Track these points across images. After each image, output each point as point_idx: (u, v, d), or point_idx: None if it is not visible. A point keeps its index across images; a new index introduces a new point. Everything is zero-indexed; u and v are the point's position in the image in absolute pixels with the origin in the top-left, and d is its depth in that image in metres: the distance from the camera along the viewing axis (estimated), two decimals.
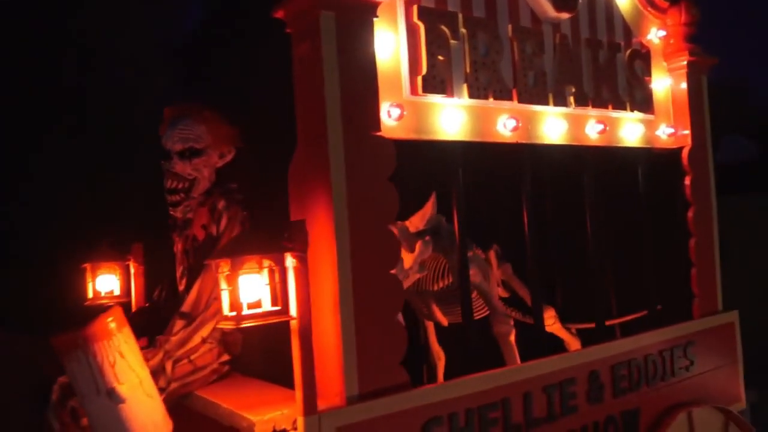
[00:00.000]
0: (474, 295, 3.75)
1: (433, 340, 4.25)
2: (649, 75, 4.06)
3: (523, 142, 3.42)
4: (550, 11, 3.49)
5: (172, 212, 3.32)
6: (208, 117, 3.30)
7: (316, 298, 2.67)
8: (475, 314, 3.66)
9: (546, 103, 3.50)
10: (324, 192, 2.70)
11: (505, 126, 3.33)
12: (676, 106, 4.20)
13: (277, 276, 2.58)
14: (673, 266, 4.17)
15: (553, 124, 3.54)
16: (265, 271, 2.56)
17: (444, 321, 3.89)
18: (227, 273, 2.55)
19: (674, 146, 4.19)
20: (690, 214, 4.14)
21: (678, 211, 4.15)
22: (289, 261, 2.60)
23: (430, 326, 4.16)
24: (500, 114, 3.32)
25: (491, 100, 3.27)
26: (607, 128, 3.76)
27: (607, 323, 4.09)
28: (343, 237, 2.68)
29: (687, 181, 4.15)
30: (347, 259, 2.68)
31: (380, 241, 2.77)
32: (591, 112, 3.73)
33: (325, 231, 2.68)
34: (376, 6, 2.82)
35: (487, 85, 3.25)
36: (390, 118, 2.92)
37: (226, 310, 2.57)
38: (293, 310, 2.60)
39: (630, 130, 3.94)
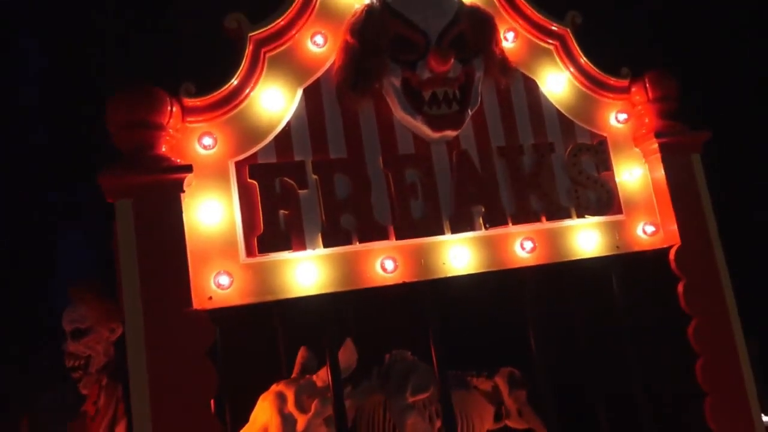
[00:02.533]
0: None
1: None
2: (608, 168, 3.47)
3: (415, 280, 3.09)
4: (429, 133, 3.17)
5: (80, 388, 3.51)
6: (88, 298, 3.48)
7: None
8: None
9: (441, 233, 3.14)
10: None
11: (383, 268, 3.04)
12: (660, 198, 3.50)
13: None
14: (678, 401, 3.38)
15: (457, 253, 3.15)
16: None
17: None
18: None
19: (662, 246, 3.47)
20: (690, 329, 3.35)
21: (675, 330, 3.38)
22: None
23: None
24: (377, 256, 3.05)
25: (357, 244, 3.02)
26: (537, 245, 3.25)
27: None
28: (145, 426, 2.60)
29: (680, 287, 3.39)
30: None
31: (197, 421, 2.64)
32: (514, 229, 3.26)
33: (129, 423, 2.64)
34: (180, 182, 2.80)
35: (352, 228, 3.02)
36: (220, 287, 2.83)
37: None
38: None
39: (586, 237, 3.36)
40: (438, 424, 3.52)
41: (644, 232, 3.47)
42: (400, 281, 3.06)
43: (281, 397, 3.19)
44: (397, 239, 3.07)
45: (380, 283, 3.04)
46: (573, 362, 3.39)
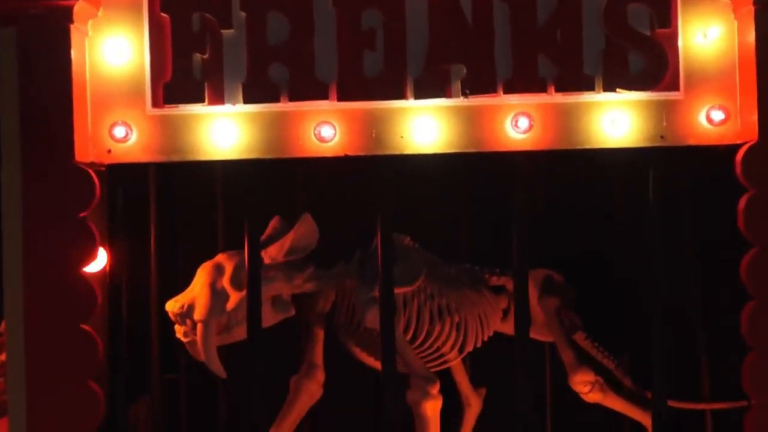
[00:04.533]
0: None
1: (460, 379, 3.41)
2: (670, 24, 2.44)
3: (364, 154, 2.45)
4: None
5: None
6: None
7: None
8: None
9: (402, 97, 2.43)
10: None
11: (319, 136, 2.43)
12: (744, 74, 2.43)
13: None
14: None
15: (422, 126, 2.43)
16: None
17: (377, 365, 3.09)
18: None
19: (731, 142, 2.45)
20: (745, 261, 2.39)
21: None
22: None
23: (457, 364, 3.33)
24: (312, 120, 2.44)
25: (287, 102, 2.42)
26: (535, 124, 2.42)
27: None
28: (15, 285, 2.36)
29: (742, 202, 2.40)
30: (19, 313, 2.35)
31: (69, 289, 2.35)
32: (507, 100, 2.44)
33: None
34: (68, 10, 2.34)
35: (283, 82, 2.42)
36: (116, 140, 2.43)
37: None
38: None
39: (614, 120, 2.45)
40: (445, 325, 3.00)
41: (708, 120, 2.46)
42: (342, 154, 2.45)
43: (218, 269, 2.81)
44: (339, 100, 2.43)
45: (314, 153, 2.45)
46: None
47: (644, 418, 3.16)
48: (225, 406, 3.51)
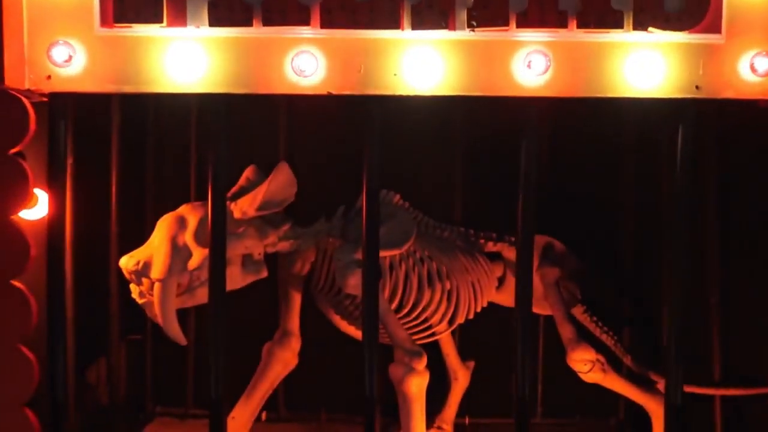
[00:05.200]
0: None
1: (448, 351, 3.11)
2: None
3: (350, 93, 2.09)
4: None
5: None
6: None
7: None
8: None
9: (396, 26, 2.06)
10: None
11: (297, 70, 2.07)
12: None
13: None
14: None
15: (419, 62, 2.07)
16: None
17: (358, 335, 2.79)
18: None
19: None
20: None
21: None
22: None
23: (445, 336, 3.03)
24: (288, 49, 2.06)
25: (260, 27, 2.04)
26: (553, 65, 2.06)
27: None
28: None
29: None
30: None
31: None
32: (520, 35, 2.08)
33: None
34: None
35: (256, 2, 2.03)
36: (56, 63, 2.05)
37: None
38: None
39: (643, 63, 2.10)
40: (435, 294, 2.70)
41: (752, 69, 2.11)
42: (325, 92, 2.09)
43: (180, 222, 2.46)
44: (323, 27, 2.05)
45: (292, 90, 2.08)
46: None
47: (645, 400, 2.90)
48: (192, 371, 3.23)
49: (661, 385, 2.89)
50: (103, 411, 3.02)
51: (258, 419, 2.94)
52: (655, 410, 2.85)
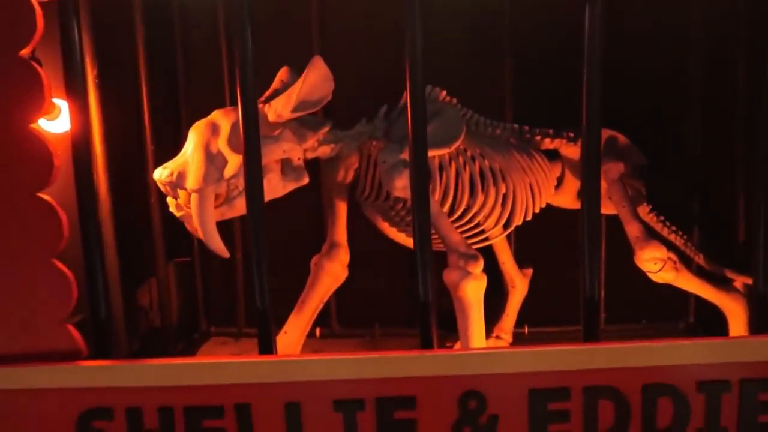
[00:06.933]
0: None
1: (504, 258, 2.97)
2: None
3: None
4: None
5: None
6: None
7: None
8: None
9: None
10: None
11: None
12: None
13: None
14: None
15: None
16: None
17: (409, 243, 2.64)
18: None
19: None
20: None
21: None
22: None
23: (501, 241, 2.87)
24: None
25: None
26: None
27: None
28: None
29: None
30: None
31: (15, 149, 1.86)
32: None
33: None
34: None
35: None
36: None
37: None
38: None
39: None
40: (489, 195, 2.52)
41: None
42: None
43: (212, 129, 2.31)
44: None
45: None
46: None
47: (721, 299, 2.72)
48: (243, 290, 3.17)
49: (738, 283, 2.71)
50: (157, 333, 2.99)
51: (312, 335, 2.88)
52: (733, 309, 2.67)
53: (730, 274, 2.71)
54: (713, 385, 1.68)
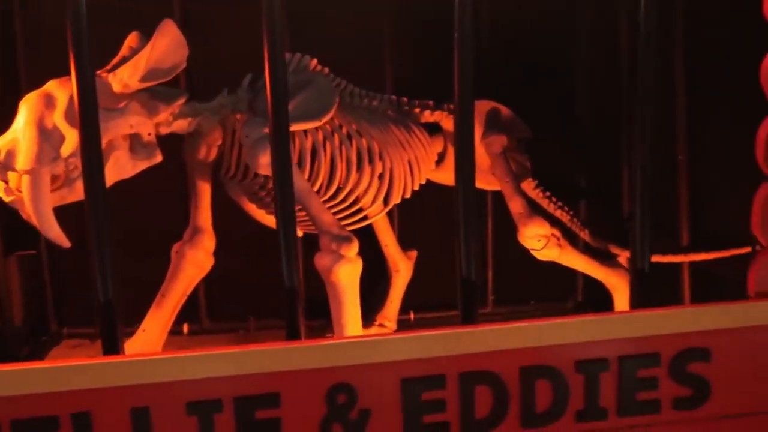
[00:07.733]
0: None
1: (386, 241, 2.78)
2: None
3: None
4: None
5: None
6: None
7: None
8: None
9: None
10: None
11: None
12: None
13: None
14: None
15: None
16: None
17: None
18: None
19: None
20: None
21: None
22: None
23: (382, 222, 2.69)
24: None
25: None
26: None
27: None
28: None
29: None
30: None
31: None
32: None
33: None
34: None
35: None
36: None
37: None
38: None
39: None
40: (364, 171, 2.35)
41: None
42: None
43: (47, 101, 2.01)
44: None
45: None
46: None
47: (606, 275, 2.67)
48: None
49: (622, 259, 2.66)
50: None
51: (178, 332, 2.63)
52: (617, 284, 2.61)
53: (614, 250, 2.65)
54: (591, 364, 1.57)
